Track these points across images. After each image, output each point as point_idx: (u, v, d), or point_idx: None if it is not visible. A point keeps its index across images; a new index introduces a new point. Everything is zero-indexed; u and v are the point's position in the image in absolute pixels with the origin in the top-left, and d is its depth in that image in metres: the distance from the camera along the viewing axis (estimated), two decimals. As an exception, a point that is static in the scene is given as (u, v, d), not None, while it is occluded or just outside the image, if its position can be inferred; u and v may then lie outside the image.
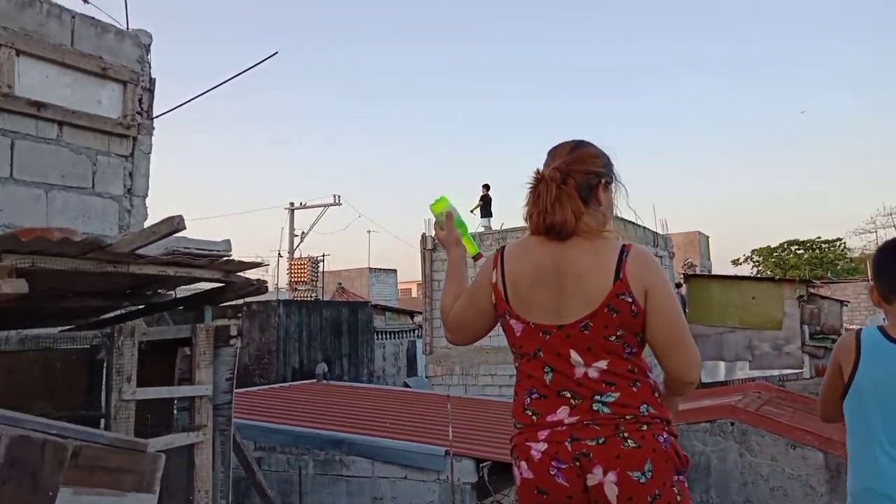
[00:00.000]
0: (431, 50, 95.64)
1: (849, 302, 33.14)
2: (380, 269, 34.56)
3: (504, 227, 18.47)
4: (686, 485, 1.84)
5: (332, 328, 18.40)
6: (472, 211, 19.42)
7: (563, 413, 1.81)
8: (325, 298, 24.84)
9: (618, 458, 1.74)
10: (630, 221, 17.69)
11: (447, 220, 2.43)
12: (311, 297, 24.38)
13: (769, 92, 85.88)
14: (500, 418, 9.71)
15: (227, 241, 3.83)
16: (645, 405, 1.81)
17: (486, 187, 19.55)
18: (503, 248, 2.04)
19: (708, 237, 37.00)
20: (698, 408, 10.74)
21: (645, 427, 1.79)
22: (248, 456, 5.53)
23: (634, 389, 1.82)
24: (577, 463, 1.76)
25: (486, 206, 19.39)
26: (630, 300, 1.79)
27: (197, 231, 3.55)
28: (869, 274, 2.29)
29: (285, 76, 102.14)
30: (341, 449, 7.03)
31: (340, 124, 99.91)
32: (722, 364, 18.97)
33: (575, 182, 1.87)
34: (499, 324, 2.01)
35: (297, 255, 26.73)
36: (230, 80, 6.12)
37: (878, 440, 2.07)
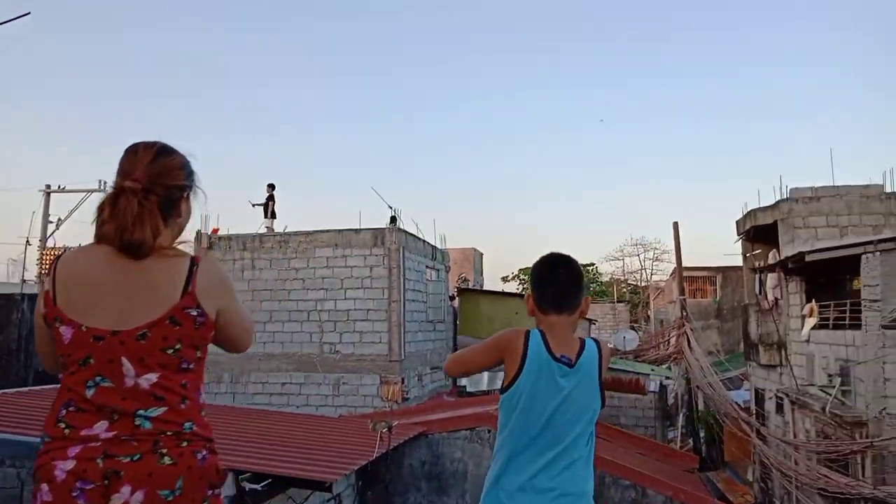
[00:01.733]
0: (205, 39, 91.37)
1: (597, 320, 37.15)
2: (148, 266, 32.16)
3: (287, 230, 18.19)
4: (221, 498, 1.85)
5: (86, 327, 16.66)
6: (254, 205, 18.92)
7: (100, 428, 1.72)
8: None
9: (149, 477, 1.69)
10: (412, 234, 18.26)
11: None
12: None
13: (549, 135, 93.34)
14: (267, 428, 9.46)
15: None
16: (190, 423, 1.79)
17: (271, 187, 19.08)
18: (60, 255, 1.87)
19: (482, 254, 39.35)
20: (459, 416, 11.45)
21: (185, 444, 1.76)
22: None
23: (183, 406, 1.78)
24: (106, 482, 1.67)
25: (270, 206, 18.92)
26: (196, 314, 1.79)
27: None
28: (531, 280, 2.39)
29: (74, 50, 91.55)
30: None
31: (112, 109, 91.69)
32: (485, 374, 20.09)
33: (158, 198, 1.82)
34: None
35: (51, 243, 23.98)
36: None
37: (532, 446, 2.22)
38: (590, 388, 2.27)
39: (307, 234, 17.71)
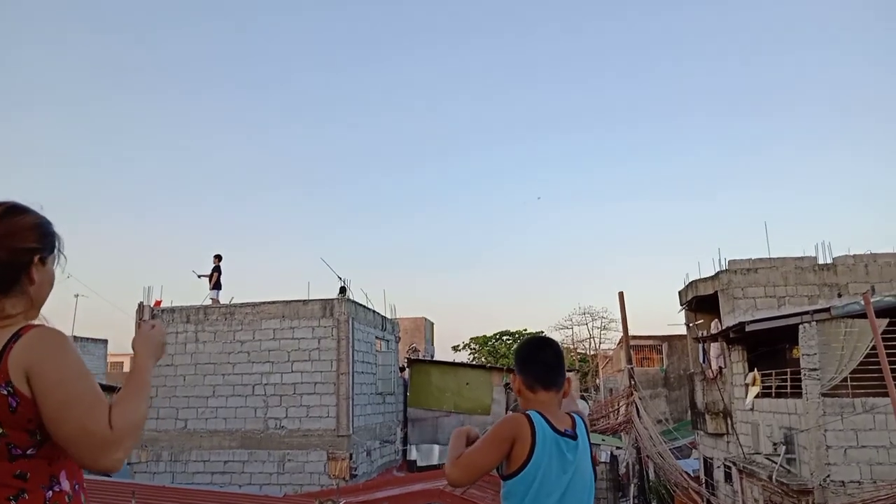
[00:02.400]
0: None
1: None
2: (87, 339, 31.04)
3: (233, 301, 17.88)
4: None
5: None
6: (199, 276, 18.55)
7: None
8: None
9: None
10: (361, 305, 18.14)
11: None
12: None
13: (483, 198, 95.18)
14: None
15: None
16: None
17: (218, 258, 18.80)
18: None
19: (433, 323, 39.29)
20: (409, 493, 11.21)
21: None
22: None
23: (13, 502, 1.52)
24: None
25: (215, 277, 18.60)
26: (6, 392, 1.52)
27: None
28: (516, 362, 2.50)
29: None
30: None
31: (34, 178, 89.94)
32: (436, 447, 19.78)
33: None
34: None
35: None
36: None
37: None
38: (587, 458, 2.41)
39: (254, 305, 17.44)
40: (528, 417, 2.32)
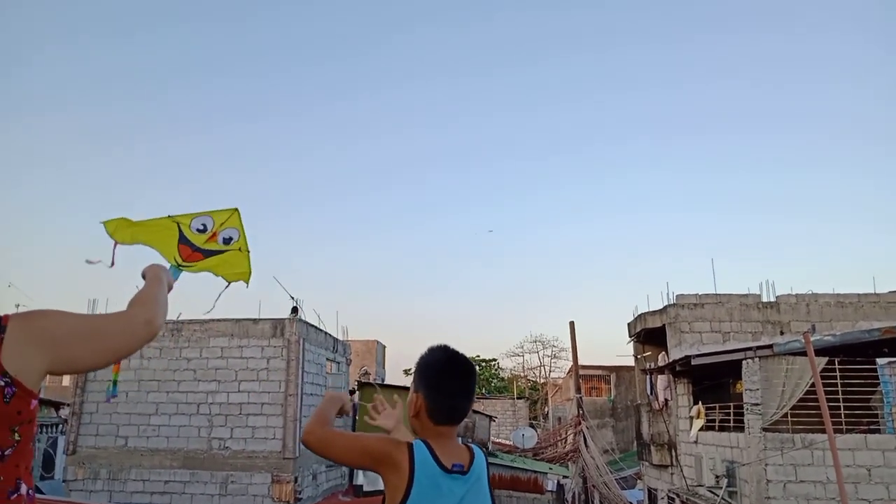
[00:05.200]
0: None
1: (496, 417, 37.15)
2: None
3: (181, 318, 17.53)
4: None
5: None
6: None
7: None
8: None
9: None
10: (313, 326, 17.96)
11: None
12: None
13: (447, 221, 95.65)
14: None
15: None
16: None
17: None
18: None
19: (385, 346, 39.09)
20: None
21: None
22: None
23: None
24: None
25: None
26: (3, 382, 1.44)
27: None
28: (423, 382, 2.15)
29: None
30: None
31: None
32: (383, 473, 19.50)
33: None
34: None
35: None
36: None
37: None
38: (481, 494, 2.16)
39: (202, 322, 17.10)
40: (410, 450, 2.03)
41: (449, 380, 2.15)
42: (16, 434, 1.49)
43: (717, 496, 12.84)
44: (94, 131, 75.32)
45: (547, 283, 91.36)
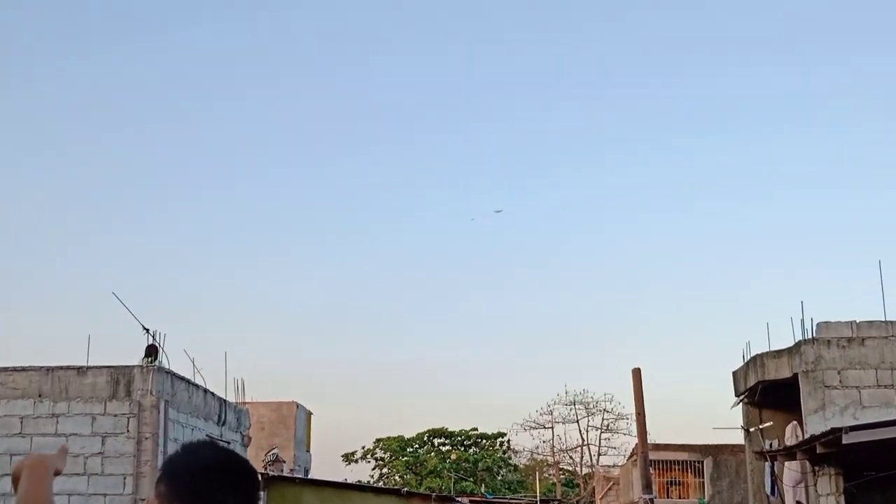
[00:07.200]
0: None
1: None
2: None
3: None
4: None
5: None
6: None
7: None
8: None
9: None
10: (183, 378, 11.32)
11: None
12: None
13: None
14: None
15: None
16: None
17: None
18: None
19: (310, 412, 30.24)
20: None
21: None
22: None
23: None
24: None
25: None
26: None
27: None
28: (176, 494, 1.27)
29: None
30: None
31: None
32: None
33: None
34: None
35: None
36: None
37: None
38: None
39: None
40: None
41: (208, 494, 1.42)
42: None
43: None
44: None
45: (592, 310, 60.95)
